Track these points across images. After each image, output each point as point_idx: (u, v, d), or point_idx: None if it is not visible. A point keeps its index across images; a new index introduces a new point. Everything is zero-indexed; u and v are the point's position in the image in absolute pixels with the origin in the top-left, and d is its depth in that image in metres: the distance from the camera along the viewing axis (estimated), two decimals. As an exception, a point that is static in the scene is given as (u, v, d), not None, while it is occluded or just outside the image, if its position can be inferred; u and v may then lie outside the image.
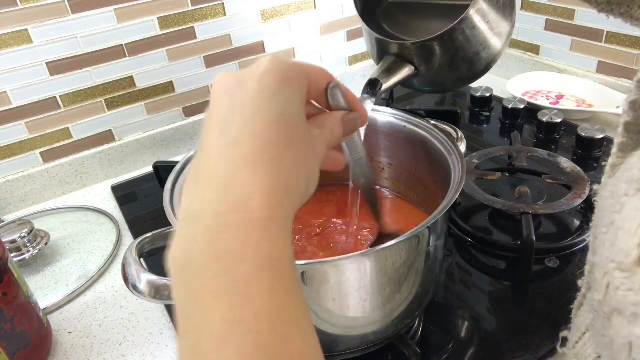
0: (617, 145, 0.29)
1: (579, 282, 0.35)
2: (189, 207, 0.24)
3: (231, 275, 0.21)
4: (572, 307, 0.37)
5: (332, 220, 0.59)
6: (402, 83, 0.54)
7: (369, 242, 0.54)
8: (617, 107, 0.82)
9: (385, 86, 0.52)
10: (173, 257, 0.23)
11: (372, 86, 0.51)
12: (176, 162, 0.50)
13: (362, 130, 0.50)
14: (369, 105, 0.52)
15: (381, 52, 0.55)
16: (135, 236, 0.70)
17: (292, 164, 0.26)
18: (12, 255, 0.63)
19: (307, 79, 0.29)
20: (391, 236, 0.46)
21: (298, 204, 0.26)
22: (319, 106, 0.33)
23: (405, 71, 0.53)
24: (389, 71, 0.52)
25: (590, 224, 0.31)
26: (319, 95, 0.32)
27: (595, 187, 0.31)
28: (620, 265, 0.24)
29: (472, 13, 0.48)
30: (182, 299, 0.22)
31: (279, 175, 0.25)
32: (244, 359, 0.20)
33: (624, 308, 0.23)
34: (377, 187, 0.62)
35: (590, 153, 0.77)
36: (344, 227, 0.58)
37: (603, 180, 0.30)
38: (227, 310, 0.21)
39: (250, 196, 0.23)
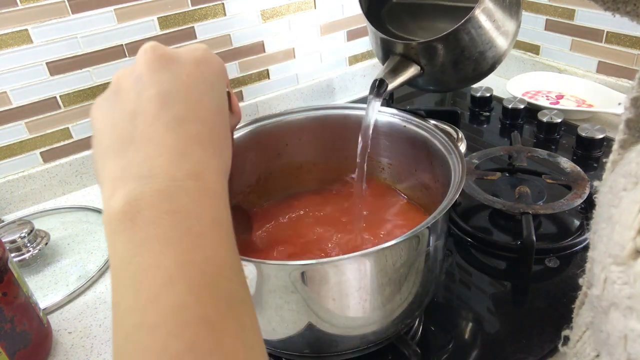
0: (618, 142, 0.29)
1: (580, 281, 0.35)
2: (132, 167, 0.26)
3: (186, 229, 0.24)
4: (573, 306, 0.37)
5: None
6: (408, 83, 0.54)
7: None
8: (619, 104, 0.82)
9: (391, 86, 0.52)
10: (112, 211, 0.24)
11: (378, 87, 0.51)
12: (176, 162, 0.50)
13: (371, 125, 0.51)
14: (376, 106, 0.52)
15: (386, 51, 0.55)
16: (135, 236, 0.70)
17: (227, 153, 0.29)
18: (12, 255, 0.63)
19: (227, 79, 0.33)
20: None
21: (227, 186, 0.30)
22: None
23: (411, 71, 0.53)
24: (394, 71, 0.52)
25: (591, 222, 0.31)
26: None
27: (596, 183, 0.31)
28: (616, 258, 0.24)
29: (478, 12, 0.48)
30: (122, 249, 0.24)
31: (221, 159, 0.28)
32: (192, 293, 0.22)
33: (619, 302, 0.23)
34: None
35: (590, 153, 0.77)
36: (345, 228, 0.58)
37: (604, 176, 0.30)
38: (180, 253, 0.23)
39: (204, 170, 0.26)
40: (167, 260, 0.23)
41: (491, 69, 0.55)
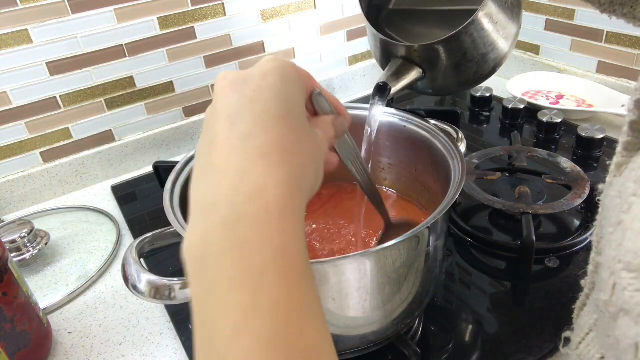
0: (622, 144, 0.29)
1: (582, 282, 0.35)
2: (203, 198, 0.25)
3: (247, 265, 0.22)
4: (573, 307, 0.37)
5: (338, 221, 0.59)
6: (410, 86, 0.54)
7: (377, 235, 0.54)
8: (622, 106, 0.82)
9: (394, 90, 0.52)
10: (188, 248, 0.24)
11: (381, 90, 0.51)
12: (176, 162, 0.50)
13: (375, 129, 0.51)
14: (379, 110, 0.52)
15: (387, 55, 0.55)
16: (135, 236, 0.70)
17: (302, 158, 0.26)
18: (12, 255, 0.63)
19: (303, 82, 0.31)
20: (399, 226, 0.48)
21: (308, 196, 0.27)
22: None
23: (413, 74, 0.53)
24: (397, 74, 0.52)
25: (593, 224, 0.31)
26: (306, 101, 0.33)
27: (600, 186, 0.30)
28: (628, 265, 0.23)
29: (481, 15, 0.48)
30: (198, 290, 0.23)
31: (291, 168, 0.25)
32: (259, 346, 0.20)
33: (631, 309, 0.23)
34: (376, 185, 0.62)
35: (590, 153, 0.77)
36: (349, 228, 0.58)
37: (608, 179, 0.30)
38: (244, 298, 0.21)
39: (265, 187, 0.24)
40: (232, 308, 0.21)
41: (492, 71, 0.55)
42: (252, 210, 0.23)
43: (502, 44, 0.53)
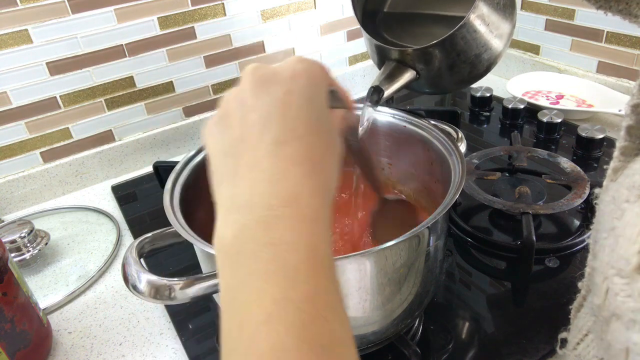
0: (619, 149, 0.29)
1: (579, 284, 0.35)
2: (236, 197, 0.26)
3: (283, 262, 0.23)
4: (571, 307, 0.37)
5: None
6: (404, 87, 0.54)
7: (371, 212, 0.54)
8: (619, 110, 0.82)
9: (387, 93, 0.52)
10: (222, 240, 0.25)
11: (374, 94, 0.51)
12: (176, 162, 0.50)
13: (366, 131, 0.52)
14: (372, 113, 0.52)
15: (382, 58, 0.55)
16: (135, 236, 0.70)
17: (329, 167, 0.28)
18: (12, 255, 0.63)
19: (328, 82, 0.31)
20: (392, 203, 0.50)
21: (331, 202, 0.29)
22: None
23: (407, 76, 0.53)
24: (390, 77, 0.53)
25: (591, 226, 0.31)
26: None
27: (597, 190, 0.30)
28: (620, 271, 0.24)
29: (473, 18, 0.48)
30: (230, 279, 0.24)
31: (321, 178, 0.27)
32: (290, 332, 0.22)
33: (622, 314, 0.23)
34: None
35: (590, 153, 0.77)
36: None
37: (604, 183, 0.30)
38: (277, 290, 0.23)
39: (300, 194, 0.25)
40: (266, 298, 0.22)
41: (487, 70, 0.55)
42: (288, 213, 0.25)
43: (496, 43, 0.53)
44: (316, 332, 0.22)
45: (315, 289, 0.23)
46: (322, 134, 0.28)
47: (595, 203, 0.30)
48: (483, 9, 0.49)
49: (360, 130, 0.52)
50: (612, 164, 0.30)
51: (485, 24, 0.50)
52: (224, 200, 0.27)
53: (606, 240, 0.25)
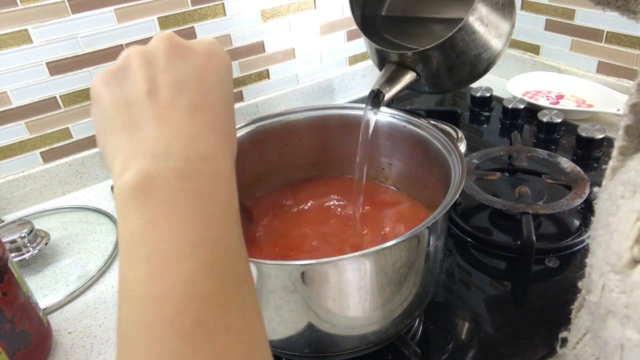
0: (618, 148, 0.29)
1: (579, 284, 0.35)
2: (146, 144, 0.26)
3: (198, 208, 0.25)
4: (572, 307, 0.37)
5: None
6: (405, 89, 0.54)
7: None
8: (618, 110, 0.82)
9: (388, 96, 0.52)
10: (126, 186, 0.25)
11: (375, 98, 0.51)
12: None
13: (369, 135, 0.52)
14: (373, 116, 0.52)
15: (382, 60, 0.55)
16: (135, 236, 0.70)
17: (235, 139, 0.31)
18: (12, 255, 0.63)
19: None
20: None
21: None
22: None
23: (407, 78, 0.53)
24: (391, 80, 0.53)
25: (590, 226, 0.31)
26: None
27: (596, 189, 0.30)
28: (614, 267, 0.24)
29: (472, 20, 0.48)
30: (135, 222, 0.24)
31: (231, 145, 0.30)
32: (201, 269, 0.23)
33: (617, 310, 0.23)
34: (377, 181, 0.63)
35: (590, 153, 0.77)
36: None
37: (603, 183, 0.30)
38: (192, 231, 0.24)
39: (216, 155, 0.27)
40: (179, 237, 0.23)
41: (487, 69, 0.55)
42: (207, 169, 0.26)
43: (495, 43, 0.53)
44: (226, 269, 0.24)
45: (229, 234, 0.25)
46: (231, 112, 0.31)
47: (595, 203, 0.30)
48: (482, 9, 0.49)
49: (363, 138, 0.52)
50: (611, 163, 0.30)
51: (485, 25, 0.50)
52: (124, 147, 0.27)
53: (602, 236, 0.25)
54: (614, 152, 0.29)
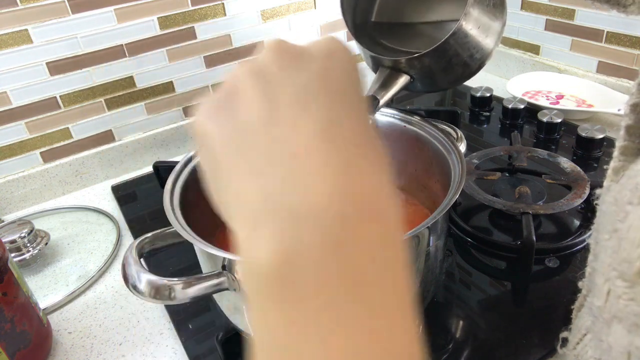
0: (619, 148, 0.29)
1: (580, 284, 0.35)
2: (278, 193, 0.18)
3: (360, 302, 0.17)
4: (572, 307, 0.37)
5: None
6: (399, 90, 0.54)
7: None
8: (618, 110, 0.82)
9: (382, 101, 0.52)
10: (263, 259, 0.17)
11: (370, 104, 0.51)
12: (176, 162, 0.50)
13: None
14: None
15: (375, 64, 0.55)
16: (135, 236, 0.70)
17: (384, 155, 0.22)
18: (12, 255, 0.63)
19: None
20: None
21: None
22: None
23: (401, 81, 0.53)
24: (385, 85, 0.53)
25: (591, 227, 0.31)
26: None
27: (598, 191, 0.30)
28: (622, 274, 0.23)
29: (464, 25, 0.48)
30: (275, 319, 0.17)
31: (387, 170, 0.21)
32: None
33: (624, 317, 0.23)
34: None
35: (590, 153, 0.77)
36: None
37: (605, 183, 0.30)
38: (351, 343, 0.16)
39: (378, 197, 0.19)
40: (333, 353, 0.16)
41: (480, 67, 0.56)
42: (368, 230, 0.18)
43: (488, 42, 0.53)
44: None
45: (400, 340, 0.17)
46: (368, 121, 0.22)
47: (596, 204, 0.30)
48: (474, 13, 0.49)
49: None
50: (612, 163, 0.29)
51: (477, 27, 0.50)
52: (247, 197, 0.19)
53: (608, 241, 0.25)
54: (615, 152, 0.29)
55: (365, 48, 0.54)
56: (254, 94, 0.21)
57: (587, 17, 0.90)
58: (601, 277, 0.25)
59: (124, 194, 0.81)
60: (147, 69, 0.83)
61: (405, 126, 0.56)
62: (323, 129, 0.19)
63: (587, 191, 0.62)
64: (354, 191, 0.18)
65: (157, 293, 0.38)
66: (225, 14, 0.85)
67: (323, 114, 0.20)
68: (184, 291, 0.38)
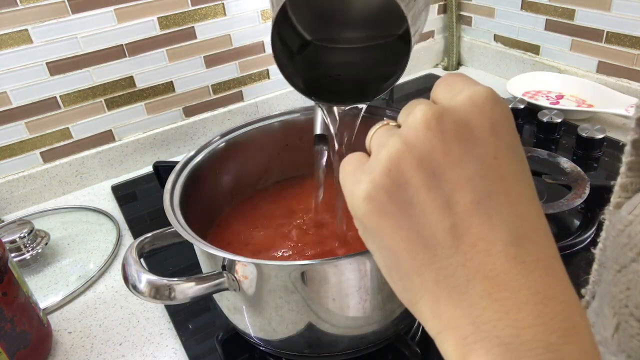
0: (626, 164, 0.28)
1: (582, 291, 0.34)
2: (485, 321, 0.19)
3: None
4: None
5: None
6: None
7: None
8: (630, 107, 0.82)
9: (334, 129, 0.47)
10: None
11: (322, 141, 0.51)
12: (176, 162, 0.50)
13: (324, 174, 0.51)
14: (324, 156, 0.51)
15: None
16: (135, 236, 0.70)
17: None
18: (12, 255, 0.63)
19: None
20: None
21: None
22: None
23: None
24: (327, 117, 0.47)
25: (599, 240, 0.30)
26: None
27: (607, 211, 0.29)
28: (637, 315, 0.23)
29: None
30: None
31: (570, 283, 0.20)
32: None
33: (636, 356, 0.23)
34: None
35: (590, 153, 0.77)
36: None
37: (612, 199, 0.28)
38: None
39: (575, 322, 0.19)
40: None
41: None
42: (572, 352, 0.18)
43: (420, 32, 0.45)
44: None
45: None
46: (540, 209, 0.21)
47: (603, 218, 0.29)
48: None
49: (320, 177, 0.52)
50: (620, 180, 0.28)
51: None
52: (451, 318, 0.20)
53: (618, 273, 0.24)
54: (623, 168, 0.28)
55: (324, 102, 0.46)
56: (429, 196, 0.20)
57: (587, 17, 0.90)
58: (609, 308, 0.24)
59: (124, 194, 0.81)
60: (147, 69, 0.83)
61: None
62: (509, 245, 0.19)
63: (587, 191, 0.62)
64: (548, 318, 0.18)
65: (157, 293, 0.38)
66: (225, 14, 0.85)
67: (502, 222, 0.19)
68: (184, 291, 0.38)
